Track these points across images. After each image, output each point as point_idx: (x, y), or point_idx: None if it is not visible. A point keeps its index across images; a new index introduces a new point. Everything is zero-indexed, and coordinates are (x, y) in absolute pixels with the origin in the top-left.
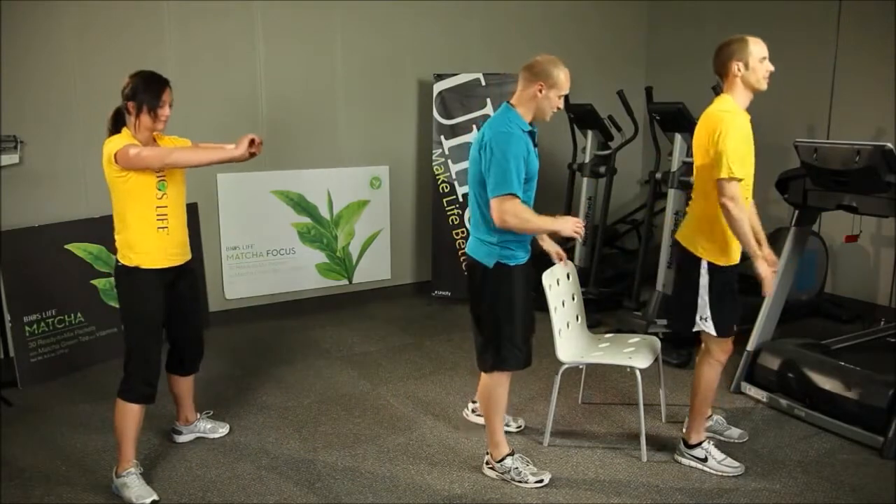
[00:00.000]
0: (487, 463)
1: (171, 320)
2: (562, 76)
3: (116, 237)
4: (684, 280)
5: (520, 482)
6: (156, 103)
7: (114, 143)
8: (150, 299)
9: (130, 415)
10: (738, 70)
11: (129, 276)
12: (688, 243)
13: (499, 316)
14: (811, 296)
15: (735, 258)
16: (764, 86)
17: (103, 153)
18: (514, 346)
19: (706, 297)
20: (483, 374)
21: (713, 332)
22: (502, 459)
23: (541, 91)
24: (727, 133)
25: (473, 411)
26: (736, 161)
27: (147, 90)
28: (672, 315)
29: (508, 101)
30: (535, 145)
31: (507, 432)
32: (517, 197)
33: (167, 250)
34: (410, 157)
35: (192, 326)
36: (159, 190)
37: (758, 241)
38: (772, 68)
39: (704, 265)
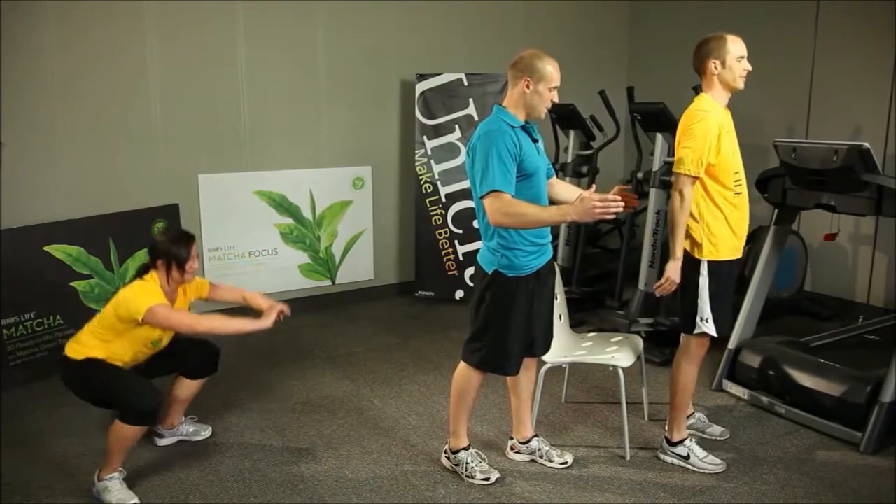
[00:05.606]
0: (445, 452)
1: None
2: (548, 68)
3: (94, 332)
4: (685, 282)
5: (467, 477)
6: (185, 259)
7: (143, 296)
8: (114, 373)
9: (130, 435)
10: (716, 68)
11: (86, 369)
12: (686, 246)
13: (489, 320)
14: (791, 294)
15: (733, 254)
16: (741, 85)
17: (127, 292)
18: (498, 352)
19: (706, 297)
20: (461, 363)
21: (713, 333)
22: (457, 451)
23: (528, 87)
24: (693, 132)
25: (512, 448)
26: (695, 160)
27: (176, 248)
28: (677, 315)
29: (499, 104)
30: (535, 140)
31: (550, 467)
32: (504, 193)
33: (132, 363)
34: (393, 157)
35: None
36: (152, 345)
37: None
38: (749, 67)
39: (704, 266)
